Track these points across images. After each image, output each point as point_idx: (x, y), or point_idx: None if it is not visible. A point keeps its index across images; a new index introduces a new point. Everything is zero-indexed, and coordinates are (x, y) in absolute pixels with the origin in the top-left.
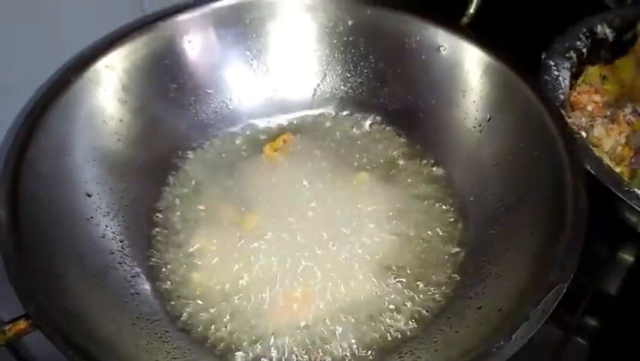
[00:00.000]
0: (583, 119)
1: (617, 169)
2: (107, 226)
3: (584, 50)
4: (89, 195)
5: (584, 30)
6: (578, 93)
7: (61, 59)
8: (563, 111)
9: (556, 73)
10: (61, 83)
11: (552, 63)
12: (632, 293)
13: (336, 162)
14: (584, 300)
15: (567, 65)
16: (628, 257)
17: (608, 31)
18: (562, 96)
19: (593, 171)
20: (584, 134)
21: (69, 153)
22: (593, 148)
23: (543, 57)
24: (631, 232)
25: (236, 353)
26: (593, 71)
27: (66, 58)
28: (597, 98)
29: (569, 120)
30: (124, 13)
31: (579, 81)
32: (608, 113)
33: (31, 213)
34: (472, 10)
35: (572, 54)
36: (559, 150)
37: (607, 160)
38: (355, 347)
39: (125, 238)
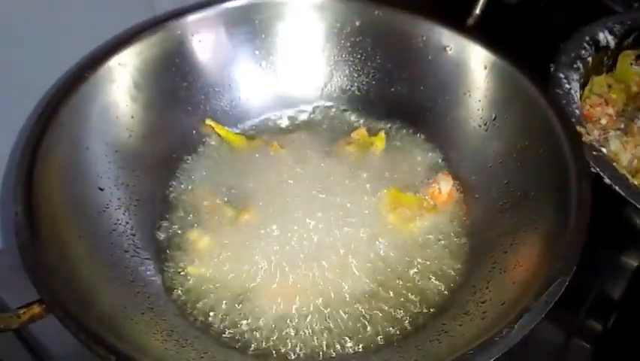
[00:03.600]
0: (595, 132)
1: (635, 182)
2: (118, 220)
3: (589, 59)
4: (101, 189)
5: (587, 38)
6: (591, 106)
7: (73, 58)
8: (582, 128)
9: (567, 86)
10: (75, 79)
11: (562, 76)
12: (635, 297)
13: (341, 161)
14: (586, 303)
15: (576, 76)
16: (631, 261)
17: (610, 38)
18: (577, 111)
19: (602, 174)
20: (604, 150)
21: (82, 147)
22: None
23: (552, 69)
24: (635, 235)
25: (240, 344)
26: (599, 81)
27: (78, 56)
28: (610, 110)
29: (589, 138)
30: (135, 12)
31: (586, 91)
32: (622, 126)
33: (45, 205)
34: (477, 11)
35: (579, 64)
36: (563, 147)
37: (630, 178)
38: (356, 340)
39: (135, 232)
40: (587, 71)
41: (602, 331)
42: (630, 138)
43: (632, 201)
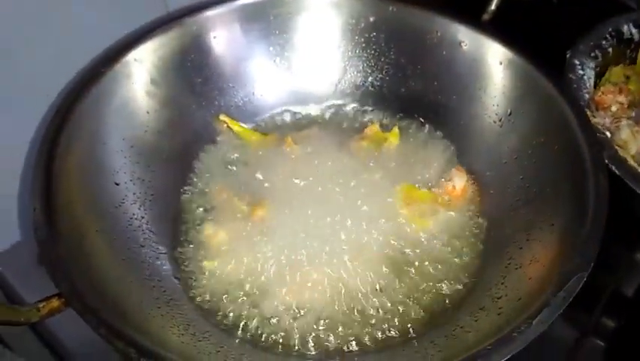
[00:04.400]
0: (607, 120)
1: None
2: (134, 214)
3: (610, 50)
4: (117, 184)
5: (610, 30)
6: (603, 93)
7: (88, 54)
8: (587, 111)
9: (581, 72)
10: (92, 75)
11: (577, 62)
12: None
13: (355, 157)
14: (601, 300)
15: (592, 64)
16: None
17: (634, 31)
18: (587, 95)
19: (613, 168)
20: (608, 134)
21: (99, 143)
22: (617, 148)
23: (568, 55)
24: None
25: (254, 338)
26: (616, 71)
27: (93, 53)
28: (622, 98)
29: (593, 120)
30: (148, 9)
31: (602, 80)
32: (633, 115)
33: (63, 200)
34: (492, 7)
35: (598, 53)
36: (579, 143)
37: (631, 162)
38: (371, 335)
39: (150, 226)
40: (606, 61)
41: (616, 328)
42: None
43: (624, 178)
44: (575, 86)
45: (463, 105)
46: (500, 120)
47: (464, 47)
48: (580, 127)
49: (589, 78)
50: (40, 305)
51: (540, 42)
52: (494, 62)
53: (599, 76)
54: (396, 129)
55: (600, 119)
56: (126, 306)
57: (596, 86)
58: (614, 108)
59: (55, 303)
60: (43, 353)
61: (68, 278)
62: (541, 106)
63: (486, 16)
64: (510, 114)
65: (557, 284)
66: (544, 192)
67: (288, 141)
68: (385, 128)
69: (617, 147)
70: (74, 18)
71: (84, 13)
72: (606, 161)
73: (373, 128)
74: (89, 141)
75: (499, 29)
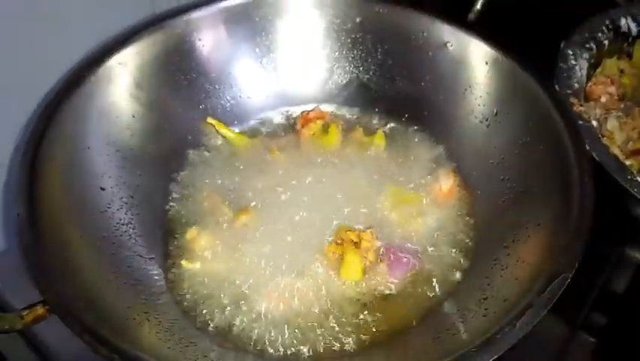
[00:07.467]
0: (597, 111)
1: (627, 162)
2: (120, 219)
3: (605, 42)
4: (103, 189)
5: (607, 22)
6: (594, 84)
7: (73, 57)
8: (575, 99)
9: (573, 62)
10: (75, 79)
11: (570, 52)
12: (639, 290)
13: (340, 161)
14: (590, 296)
15: (586, 55)
16: (635, 254)
17: (633, 25)
18: (576, 85)
19: (598, 159)
20: (594, 123)
21: (83, 147)
22: (604, 139)
23: (562, 45)
24: (639, 228)
25: (239, 343)
26: (610, 64)
27: (78, 56)
28: (612, 90)
29: (580, 109)
30: (135, 11)
31: (597, 72)
32: (622, 106)
33: (47, 206)
34: (478, 7)
35: (592, 45)
36: (565, 143)
37: (617, 153)
38: (356, 337)
39: (136, 231)
40: (600, 53)
41: (605, 324)
42: (630, 120)
43: (603, 163)
44: (565, 75)
45: (450, 106)
46: (487, 120)
47: (450, 48)
48: (565, 126)
49: (581, 68)
50: (24, 313)
51: (525, 42)
52: (480, 62)
53: (594, 67)
54: (380, 132)
55: (590, 110)
56: (112, 312)
57: (589, 77)
58: (603, 99)
59: (39, 310)
60: (31, 357)
61: (52, 286)
62: (527, 106)
63: (471, 16)
64: (496, 114)
65: (542, 285)
66: (531, 192)
67: (273, 150)
68: (372, 129)
69: (602, 136)
70: (61, 18)
71: (71, 13)
72: (587, 147)
73: (358, 133)
74: (73, 145)
75: (484, 29)
